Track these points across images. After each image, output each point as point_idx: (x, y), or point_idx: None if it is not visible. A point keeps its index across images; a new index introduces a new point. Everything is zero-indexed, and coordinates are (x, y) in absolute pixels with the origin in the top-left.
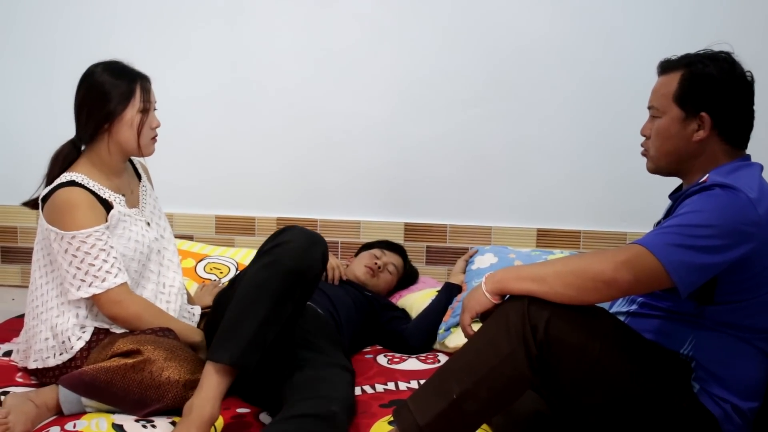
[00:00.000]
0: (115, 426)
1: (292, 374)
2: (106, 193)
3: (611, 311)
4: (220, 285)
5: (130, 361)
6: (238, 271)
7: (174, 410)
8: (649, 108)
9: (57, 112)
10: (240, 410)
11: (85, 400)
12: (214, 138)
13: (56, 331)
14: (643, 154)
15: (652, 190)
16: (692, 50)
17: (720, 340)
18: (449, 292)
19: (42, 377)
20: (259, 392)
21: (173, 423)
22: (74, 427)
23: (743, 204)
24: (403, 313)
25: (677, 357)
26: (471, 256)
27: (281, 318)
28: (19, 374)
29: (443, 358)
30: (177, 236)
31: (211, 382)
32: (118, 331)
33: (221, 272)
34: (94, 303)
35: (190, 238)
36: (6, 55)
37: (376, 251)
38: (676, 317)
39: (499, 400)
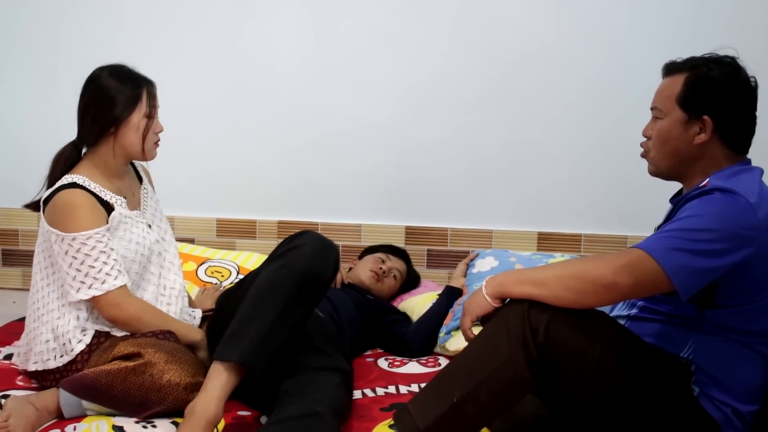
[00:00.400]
0: (115, 428)
1: (286, 379)
2: (108, 195)
3: (611, 315)
4: (221, 288)
5: (130, 364)
6: (240, 275)
7: (174, 413)
8: (651, 109)
9: (58, 115)
10: (241, 413)
11: (85, 403)
12: (216, 141)
13: (57, 333)
14: (643, 155)
15: (653, 194)
16: (694, 54)
17: (720, 344)
18: (450, 295)
19: (42, 380)
20: (259, 396)
21: (174, 423)
22: (75, 430)
23: (743, 208)
24: (404, 316)
25: (677, 360)
26: (472, 260)
27: (291, 321)
28: (20, 377)
29: (444, 362)
30: (178, 239)
31: (217, 382)
32: (119, 334)
33: (222, 276)
34: (93, 305)
35: (191, 241)
36: (8, 58)
37: (381, 255)
38: (677, 321)
39: (499, 403)
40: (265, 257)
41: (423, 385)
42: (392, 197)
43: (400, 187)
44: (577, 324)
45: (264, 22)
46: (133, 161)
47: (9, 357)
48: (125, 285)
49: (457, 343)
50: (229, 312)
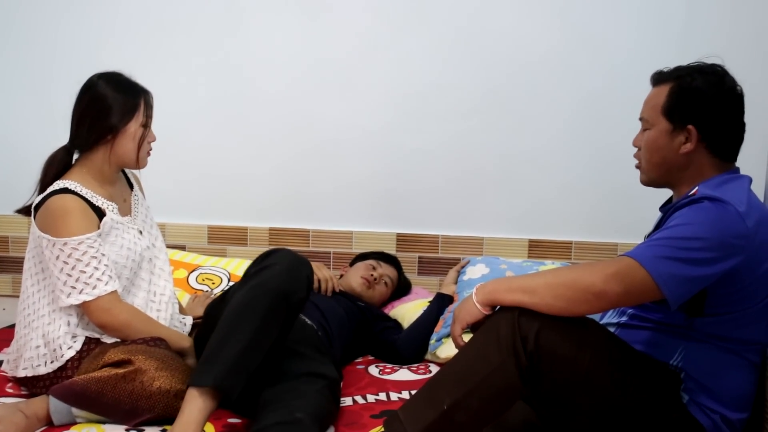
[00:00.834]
0: None
1: (269, 387)
2: (99, 201)
3: (601, 323)
4: (212, 296)
5: (121, 371)
6: (231, 282)
7: (165, 420)
8: (640, 119)
9: (50, 120)
10: (231, 420)
11: (75, 411)
12: (207, 148)
13: (47, 339)
14: (637, 166)
15: (644, 202)
16: (684, 62)
17: (709, 352)
18: (441, 302)
19: (32, 387)
20: (247, 403)
21: (164, 431)
22: None
23: (732, 217)
24: (395, 323)
25: (666, 368)
26: (463, 267)
27: (266, 341)
28: (9, 385)
29: (434, 369)
30: (169, 246)
31: (193, 406)
32: (109, 340)
33: (213, 283)
34: (83, 311)
35: (182, 248)
36: (1, 62)
37: (372, 262)
38: (666, 329)
39: (489, 410)
40: None
41: (414, 392)
42: (383, 204)
43: (391, 194)
44: (567, 331)
45: (256, 29)
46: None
47: None
48: (116, 291)
49: (447, 350)
50: (212, 324)
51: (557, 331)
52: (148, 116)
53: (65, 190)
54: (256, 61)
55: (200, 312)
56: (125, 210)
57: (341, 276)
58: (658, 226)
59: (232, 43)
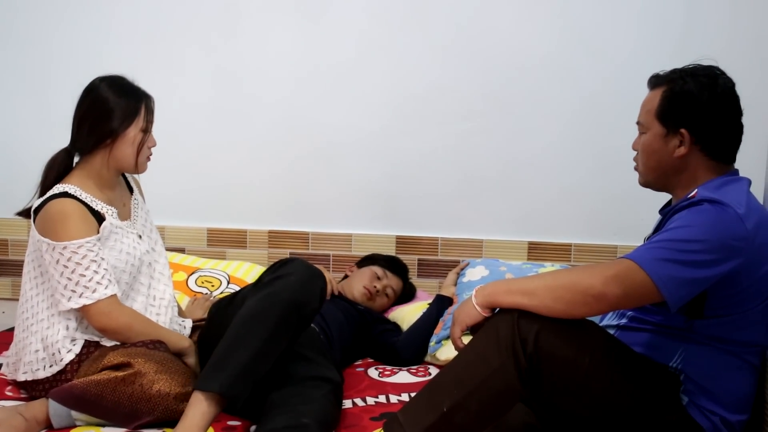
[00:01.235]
0: None
1: (274, 390)
2: (99, 205)
3: (601, 325)
4: (212, 298)
5: (120, 374)
6: (231, 285)
7: (164, 423)
8: (637, 123)
9: (50, 124)
10: (231, 422)
11: (75, 414)
12: (207, 151)
13: (46, 343)
14: (635, 168)
15: (643, 204)
16: (683, 65)
17: (709, 354)
18: (440, 304)
19: (32, 390)
20: (248, 406)
21: None
22: None
23: (731, 219)
24: (395, 326)
25: (666, 370)
26: (462, 269)
27: (275, 351)
28: (9, 388)
29: (434, 371)
30: (169, 249)
31: (197, 410)
32: (109, 344)
33: (213, 285)
34: (83, 315)
35: (181, 250)
36: (0, 66)
37: (378, 271)
38: (666, 331)
39: (489, 413)
40: (255, 267)
41: (413, 394)
42: (383, 207)
43: (390, 196)
44: (567, 334)
45: (255, 32)
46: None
47: None
48: (115, 294)
49: (447, 352)
50: (218, 325)
51: (557, 333)
52: (149, 121)
53: (65, 194)
54: (255, 64)
55: (200, 314)
56: (125, 214)
57: (345, 276)
58: (658, 228)
59: (231, 46)
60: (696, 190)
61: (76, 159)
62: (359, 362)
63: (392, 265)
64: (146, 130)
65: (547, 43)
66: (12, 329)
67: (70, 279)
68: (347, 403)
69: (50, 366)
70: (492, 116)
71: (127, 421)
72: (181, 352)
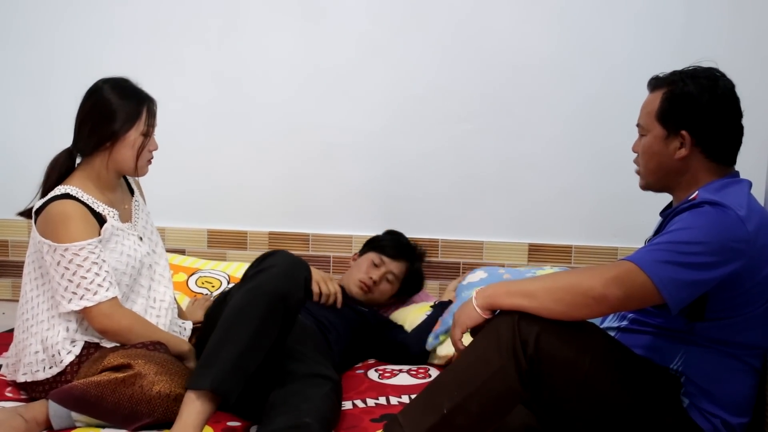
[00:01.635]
0: None
1: (274, 389)
2: (100, 207)
3: (602, 327)
4: (212, 299)
5: (120, 375)
6: (231, 284)
7: (164, 424)
8: (637, 125)
9: (50, 125)
10: (231, 423)
11: (74, 415)
12: (207, 152)
13: (46, 344)
14: (637, 171)
15: (644, 206)
16: (683, 66)
17: (710, 356)
18: (442, 308)
19: (31, 391)
20: (249, 405)
21: None
22: None
23: (732, 221)
24: (400, 326)
25: (667, 372)
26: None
27: (265, 344)
28: (9, 389)
29: (434, 373)
30: (169, 250)
31: (191, 410)
32: (109, 345)
33: (213, 286)
34: (83, 317)
35: (182, 252)
36: (1, 66)
37: (375, 258)
38: (667, 333)
39: (489, 415)
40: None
41: (413, 396)
42: (383, 208)
43: (391, 198)
44: (567, 335)
45: (256, 33)
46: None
47: None
48: (116, 297)
49: (447, 348)
50: (212, 325)
51: (557, 335)
52: (150, 125)
53: (67, 196)
54: (255, 65)
55: (200, 316)
56: (126, 216)
57: (348, 269)
58: (658, 230)
59: (231, 48)
60: (697, 192)
61: (78, 160)
62: (359, 364)
63: (392, 247)
64: (147, 133)
65: (547, 44)
66: (12, 330)
67: (71, 281)
68: (347, 405)
69: (50, 367)
70: (492, 117)
71: (127, 423)
72: (181, 355)
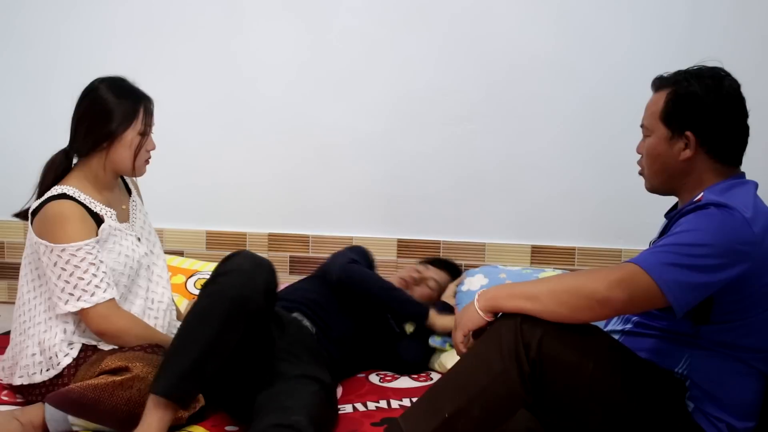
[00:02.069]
0: None
1: (263, 391)
2: (98, 207)
3: (606, 330)
4: None
5: (118, 378)
6: None
7: None
8: (641, 126)
9: (49, 125)
10: (229, 428)
11: (71, 419)
12: (206, 153)
13: (43, 346)
14: (641, 173)
15: (647, 208)
16: (688, 65)
17: (715, 360)
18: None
19: (28, 395)
20: (244, 410)
21: None
22: None
23: (738, 223)
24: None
25: (672, 376)
26: (461, 281)
27: (225, 349)
28: (5, 392)
29: (436, 376)
30: (167, 252)
31: (151, 417)
32: (106, 348)
33: None
34: (81, 318)
35: (180, 253)
36: (1, 66)
37: (420, 267)
38: (672, 337)
39: (491, 419)
40: None
41: (415, 399)
42: (384, 210)
43: (392, 199)
44: (571, 339)
45: (256, 33)
46: None
47: None
48: (114, 298)
49: (452, 357)
50: None
51: (560, 338)
52: (147, 124)
53: (63, 196)
54: (255, 66)
55: None
56: (123, 216)
57: None
58: (663, 232)
59: (231, 49)
60: (702, 193)
61: (74, 160)
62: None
63: (438, 261)
64: (144, 133)
65: (550, 44)
66: (8, 333)
67: (68, 282)
68: (348, 408)
69: (47, 370)
70: (495, 118)
71: (125, 426)
72: None
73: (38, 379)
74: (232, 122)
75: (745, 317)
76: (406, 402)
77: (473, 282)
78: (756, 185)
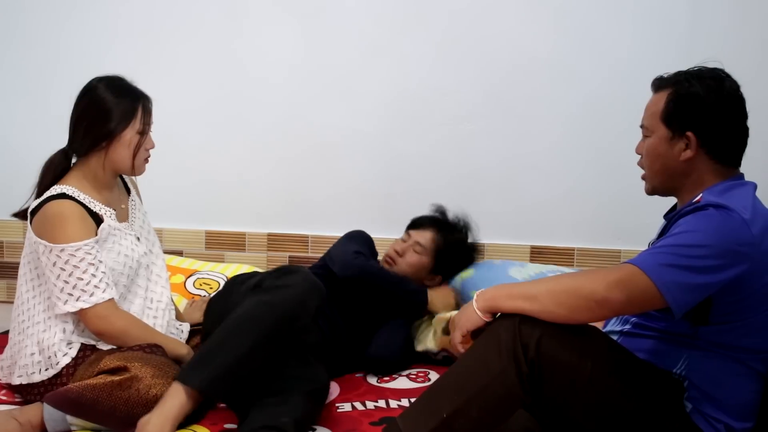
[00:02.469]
0: None
1: (260, 387)
2: (97, 207)
3: (604, 330)
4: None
5: (116, 378)
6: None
7: None
8: (641, 127)
9: (48, 125)
10: (228, 426)
11: (70, 418)
12: (205, 153)
13: (42, 346)
14: (643, 177)
15: (647, 208)
16: (688, 66)
17: (714, 361)
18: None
19: (27, 394)
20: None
21: None
22: None
23: (737, 224)
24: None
25: (670, 376)
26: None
27: (261, 358)
28: (3, 392)
29: (434, 376)
30: (167, 252)
31: (175, 402)
32: (105, 347)
33: (211, 288)
34: (80, 318)
35: (179, 253)
36: (1, 66)
37: (404, 236)
38: (670, 337)
39: (490, 419)
40: (254, 269)
41: (413, 399)
42: (383, 209)
43: (391, 199)
44: (569, 339)
45: (254, 33)
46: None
47: None
48: (113, 298)
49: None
50: (216, 318)
51: (559, 338)
52: (146, 123)
53: (63, 196)
54: (254, 65)
55: (198, 317)
56: (122, 216)
57: None
58: (662, 233)
59: (230, 48)
60: (701, 194)
61: (73, 160)
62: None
63: (416, 220)
64: (143, 132)
65: (550, 44)
66: (7, 332)
67: (67, 282)
68: (346, 407)
69: (46, 369)
70: (493, 118)
71: (124, 426)
72: (179, 358)
73: (37, 378)
74: (232, 122)
75: (743, 318)
76: (405, 402)
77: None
78: (755, 186)
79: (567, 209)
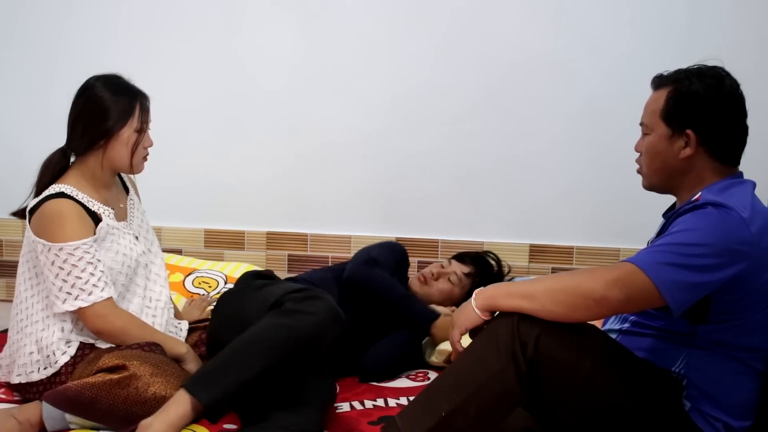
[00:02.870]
0: None
1: (276, 391)
2: (96, 206)
3: (603, 329)
4: (209, 299)
5: (115, 376)
6: (228, 285)
7: None
8: (640, 124)
9: (47, 124)
10: (227, 426)
11: (69, 417)
12: (205, 151)
13: (41, 345)
14: (639, 171)
15: (646, 207)
16: (687, 65)
17: (712, 359)
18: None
19: (25, 393)
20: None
21: None
22: None
23: (736, 223)
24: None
25: (668, 375)
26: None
27: (273, 380)
28: (2, 390)
29: (433, 375)
30: (165, 250)
31: (179, 410)
32: (104, 346)
33: (210, 286)
34: (78, 317)
35: (178, 252)
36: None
37: (444, 261)
38: (669, 336)
39: (488, 418)
40: (253, 268)
41: (412, 398)
42: (382, 208)
43: (390, 198)
44: (568, 338)
45: (254, 32)
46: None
47: None
48: (111, 297)
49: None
50: (225, 319)
51: (557, 337)
52: (144, 121)
53: (61, 195)
54: (253, 64)
55: (197, 315)
56: (121, 215)
57: None
58: (661, 232)
59: (230, 47)
60: (700, 193)
61: (72, 159)
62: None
63: (461, 256)
64: (141, 130)
65: (549, 43)
66: (6, 331)
67: (65, 281)
68: (345, 406)
69: (44, 368)
70: (493, 117)
71: (122, 425)
72: (177, 357)
73: (35, 377)
74: (231, 120)
75: (742, 317)
76: (404, 401)
77: None
78: (754, 185)
79: (566, 208)
